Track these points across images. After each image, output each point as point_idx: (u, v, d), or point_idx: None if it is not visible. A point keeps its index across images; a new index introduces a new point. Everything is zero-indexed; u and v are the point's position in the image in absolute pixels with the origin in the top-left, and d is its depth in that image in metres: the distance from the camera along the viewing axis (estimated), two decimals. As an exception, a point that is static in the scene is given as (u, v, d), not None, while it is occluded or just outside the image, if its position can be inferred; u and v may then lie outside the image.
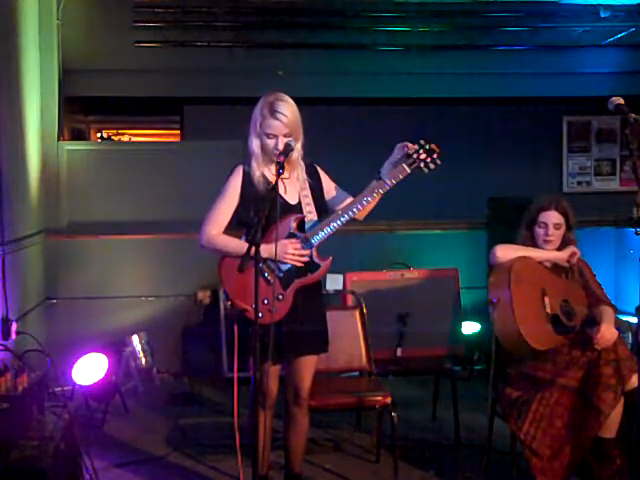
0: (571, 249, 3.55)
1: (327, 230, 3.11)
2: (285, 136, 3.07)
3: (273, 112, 3.06)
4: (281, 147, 3.05)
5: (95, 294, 5.65)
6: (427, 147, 3.16)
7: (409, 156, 3.15)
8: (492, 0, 6.36)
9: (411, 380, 5.31)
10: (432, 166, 3.16)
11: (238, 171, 3.16)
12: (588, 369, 3.27)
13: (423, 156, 3.15)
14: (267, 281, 3.07)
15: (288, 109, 3.07)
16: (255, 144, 3.12)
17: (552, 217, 3.56)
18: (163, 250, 5.77)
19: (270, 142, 3.08)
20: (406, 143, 3.19)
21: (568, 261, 3.56)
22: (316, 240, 3.11)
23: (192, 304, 5.68)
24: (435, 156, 3.16)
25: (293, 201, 3.17)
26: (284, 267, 3.11)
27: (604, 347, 3.29)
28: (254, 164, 3.14)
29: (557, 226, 3.56)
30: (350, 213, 3.11)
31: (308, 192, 3.20)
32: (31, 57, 5.28)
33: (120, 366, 5.21)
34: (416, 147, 3.16)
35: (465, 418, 4.36)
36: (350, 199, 3.20)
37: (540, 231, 3.58)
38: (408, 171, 3.14)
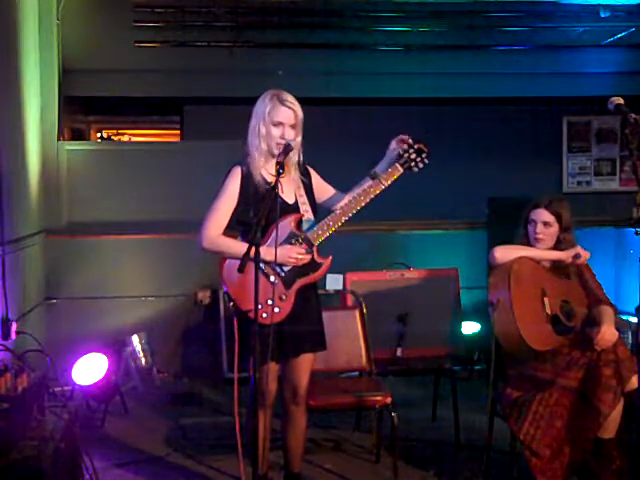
0: (576, 249, 3.54)
1: (326, 229, 3.14)
2: (292, 127, 3.10)
3: (282, 101, 3.11)
4: (287, 137, 3.08)
5: (95, 294, 5.65)
6: (416, 147, 3.23)
7: (401, 156, 3.22)
8: (492, 0, 6.36)
9: (411, 380, 5.31)
10: (421, 165, 3.24)
11: (236, 172, 3.17)
12: (588, 370, 3.27)
13: (413, 156, 3.22)
14: (270, 282, 3.07)
15: (296, 102, 3.15)
16: (261, 136, 3.11)
17: (541, 215, 3.55)
18: (163, 250, 5.76)
19: (277, 132, 3.10)
20: (401, 137, 3.25)
21: (572, 261, 3.55)
22: (317, 240, 3.14)
23: (192, 304, 5.68)
24: (424, 155, 3.24)
25: (290, 200, 3.20)
26: (286, 267, 3.12)
27: (604, 348, 3.29)
28: (253, 164, 3.15)
29: (546, 224, 3.54)
30: (347, 211, 3.16)
31: (303, 191, 3.23)
32: (31, 57, 5.28)
33: (120, 366, 5.21)
34: (406, 147, 3.22)
35: (465, 418, 4.36)
36: (346, 197, 3.25)
37: (530, 229, 3.59)
38: (401, 170, 3.21)
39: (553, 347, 3.39)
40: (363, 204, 3.17)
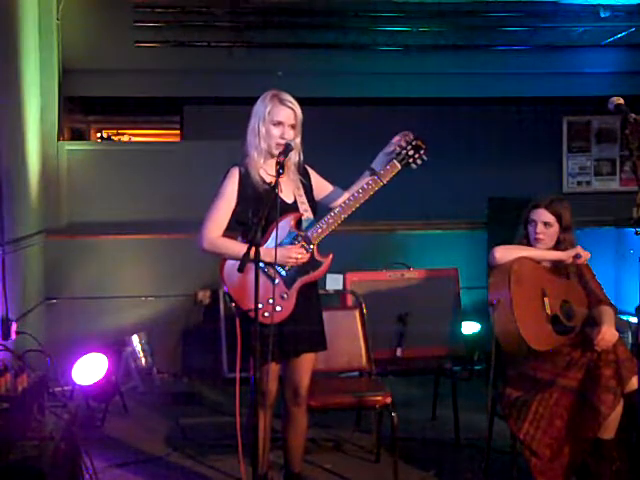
0: (577, 249, 3.53)
1: (326, 227, 3.14)
2: (291, 127, 3.11)
3: (282, 100, 3.12)
4: (287, 136, 3.09)
5: (95, 294, 5.65)
6: (414, 143, 3.22)
7: (399, 153, 3.22)
8: (492, 0, 6.35)
9: (411, 380, 5.31)
10: (419, 162, 3.24)
11: (234, 172, 3.17)
12: (588, 370, 3.27)
13: (411, 152, 3.22)
14: (271, 280, 3.08)
15: (296, 102, 3.15)
16: (260, 135, 3.11)
17: (541, 215, 3.55)
18: (163, 250, 5.76)
19: (277, 131, 3.11)
20: (403, 132, 3.26)
21: (572, 261, 3.54)
22: (317, 238, 3.14)
23: (192, 304, 5.68)
24: (422, 152, 3.24)
25: (289, 200, 3.21)
26: (286, 266, 3.12)
27: (604, 349, 3.29)
28: (251, 164, 3.15)
29: (546, 224, 3.54)
30: (346, 208, 3.16)
31: (302, 192, 3.23)
32: (31, 57, 5.28)
33: (120, 366, 5.21)
34: (404, 143, 3.23)
35: (465, 418, 4.36)
36: (345, 195, 3.26)
37: (531, 229, 3.59)
38: (399, 167, 3.22)
39: (553, 347, 3.39)
40: (362, 201, 3.18)
